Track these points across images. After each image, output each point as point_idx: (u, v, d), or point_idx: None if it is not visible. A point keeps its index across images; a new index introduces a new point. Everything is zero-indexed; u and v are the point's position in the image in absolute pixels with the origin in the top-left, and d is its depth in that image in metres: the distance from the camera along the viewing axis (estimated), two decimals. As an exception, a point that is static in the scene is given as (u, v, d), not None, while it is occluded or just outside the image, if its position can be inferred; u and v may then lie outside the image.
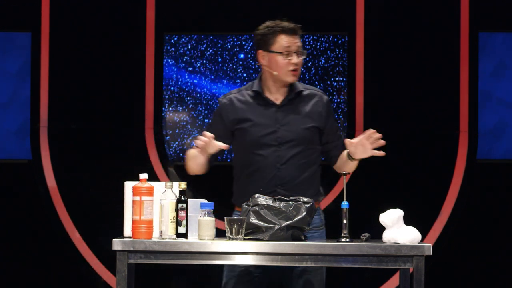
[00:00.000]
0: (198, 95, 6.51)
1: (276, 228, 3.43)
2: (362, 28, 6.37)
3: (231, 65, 6.50)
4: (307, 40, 6.51)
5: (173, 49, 6.53)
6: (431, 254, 3.29)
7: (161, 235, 3.37)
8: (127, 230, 3.44)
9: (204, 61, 6.51)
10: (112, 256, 3.37)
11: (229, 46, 6.52)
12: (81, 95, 6.39)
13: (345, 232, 3.42)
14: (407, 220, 3.40)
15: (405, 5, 6.38)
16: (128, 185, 3.45)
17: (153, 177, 6.17)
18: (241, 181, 3.78)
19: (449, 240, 6.23)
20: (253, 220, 3.45)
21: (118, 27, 6.42)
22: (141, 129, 6.37)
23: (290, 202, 3.49)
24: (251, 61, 6.51)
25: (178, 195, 3.36)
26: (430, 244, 3.30)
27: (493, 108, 6.39)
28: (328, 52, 6.50)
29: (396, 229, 3.35)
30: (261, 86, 3.79)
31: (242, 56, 6.50)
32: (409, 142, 6.31)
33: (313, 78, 6.49)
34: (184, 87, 6.53)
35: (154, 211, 3.38)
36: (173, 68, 6.52)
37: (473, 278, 6.32)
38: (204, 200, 3.46)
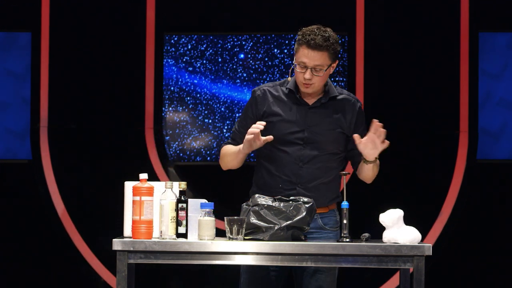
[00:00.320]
0: (198, 95, 6.51)
1: (276, 228, 3.43)
2: (362, 28, 6.37)
3: (231, 65, 6.50)
4: (307, 40, 6.50)
5: (173, 49, 6.53)
6: (431, 254, 3.29)
7: (161, 235, 3.37)
8: (127, 230, 3.44)
9: (204, 61, 6.52)
10: (112, 256, 3.37)
11: (229, 46, 6.52)
12: (81, 95, 6.39)
13: (345, 232, 3.42)
14: (407, 220, 3.40)
15: (405, 5, 6.38)
16: (128, 185, 3.45)
17: (153, 177, 6.17)
18: (261, 174, 3.78)
19: (449, 240, 6.23)
20: (253, 220, 3.45)
21: (118, 27, 6.42)
22: (141, 129, 6.37)
23: (290, 202, 3.49)
24: (251, 61, 6.51)
25: (178, 195, 3.36)
26: (430, 244, 3.30)
27: (493, 108, 6.39)
28: (328, 52, 6.49)
29: (396, 229, 3.35)
30: (296, 85, 3.78)
31: (242, 56, 6.51)
32: (409, 142, 6.31)
33: (313, 78, 6.49)
34: (184, 87, 6.53)
35: (154, 211, 3.38)
36: (173, 68, 6.52)
37: (473, 278, 6.32)
38: (204, 200, 3.46)
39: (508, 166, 6.35)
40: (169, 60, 6.52)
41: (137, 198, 3.33)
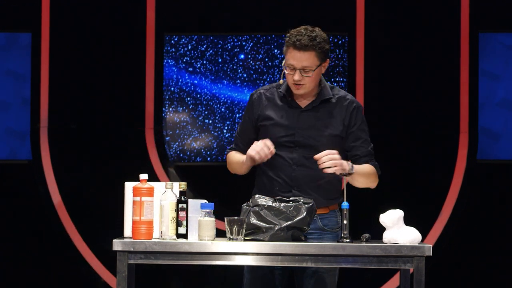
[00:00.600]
0: (198, 96, 6.51)
1: (276, 228, 3.43)
2: (362, 28, 6.37)
3: (231, 65, 6.50)
4: (307, 40, 6.50)
5: (173, 49, 6.53)
6: (431, 254, 3.29)
7: (161, 236, 3.37)
8: (127, 230, 3.44)
9: (205, 62, 6.52)
10: (112, 257, 3.37)
11: (230, 47, 6.52)
12: (81, 95, 6.40)
13: (345, 232, 3.42)
14: (407, 221, 3.40)
15: (405, 5, 6.39)
16: (128, 186, 3.45)
17: (153, 177, 6.17)
18: (261, 177, 3.79)
19: (449, 241, 6.23)
20: (253, 220, 3.44)
21: (118, 27, 6.43)
22: (141, 129, 6.37)
23: (290, 202, 3.49)
24: (251, 62, 6.51)
25: (178, 195, 3.36)
26: (431, 245, 3.30)
27: (493, 109, 6.39)
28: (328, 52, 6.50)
29: (396, 229, 3.35)
30: (289, 88, 3.76)
31: (242, 56, 6.51)
32: (409, 142, 6.31)
33: (313, 78, 6.49)
34: (184, 88, 6.53)
35: (154, 211, 3.38)
36: (174, 68, 6.52)
37: (473, 278, 6.32)
38: (204, 201, 3.46)
39: (508, 166, 6.35)
40: (169, 61, 6.52)
41: (137, 198, 3.33)
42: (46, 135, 6.34)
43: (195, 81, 6.51)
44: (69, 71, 6.40)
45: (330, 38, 6.62)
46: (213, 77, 6.51)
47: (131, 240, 3.32)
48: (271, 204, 3.48)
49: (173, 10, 6.50)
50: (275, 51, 6.51)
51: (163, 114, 6.46)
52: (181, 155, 6.50)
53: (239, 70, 6.51)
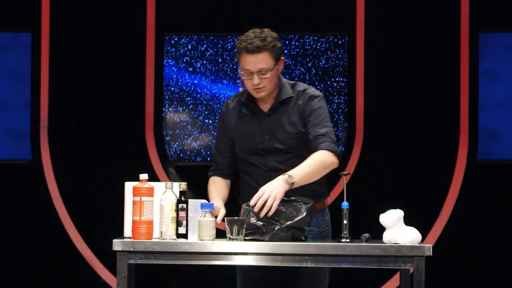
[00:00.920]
0: (198, 96, 6.51)
1: (276, 228, 3.43)
2: (362, 28, 6.37)
3: (231, 65, 6.50)
4: (307, 40, 6.51)
5: (173, 49, 6.53)
6: (431, 254, 3.29)
7: (161, 236, 3.37)
8: (127, 230, 3.44)
9: (205, 62, 6.52)
10: (112, 256, 3.37)
11: (230, 47, 6.52)
12: (81, 95, 6.40)
13: (345, 232, 3.42)
14: (407, 221, 3.40)
15: (405, 5, 6.39)
16: (128, 186, 3.45)
17: (153, 177, 6.17)
18: (242, 185, 3.79)
19: (449, 241, 6.23)
20: (253, 220, 3.44)
21: (118, 27, 6.43)
22: (141, 129, 6.37)
23: (290, 202, 3.49)
24: (251, 61, 6.50)
25: (178, 195, 3.36)
26: (431, 245, 3.30)
27: (493, 109, 6.39)
28: (328, 52, 6.50)
29: (396, 229, 3.35)
30: (250, 95, 3.72)
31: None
32: (409, 142, 6.31)
33: (313, 78, 6.49)
34: (184, 88, 6.53)
35: (154, 211, 3.38)
36: (174, 68, 6.52)
37: (473, 278, 6.32)
38: (204, 201, 3.47)
39: (508, 166, 6.35)
40: (169, 61, 6.52)
41: (137, 198, 3.33)
42: (46, 135, 6.34)
43: (195, 81, 6.51)
44: (69, 71, 6.40)
45: (330, 38, 6.65)
46: (213, 77, 6.51)
47: (131, 240, 3.32)
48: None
49: (173, 10, 6.50)
50: (275, 51, 6.50)
51: (163, 114, 6.46)
52: (181, 155, 6.50)
53: (239, 70, 6.51)
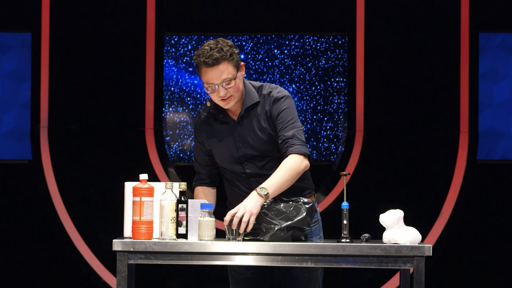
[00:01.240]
0: (198, 96, 6.51)
1: (276, 228, 3.43)
2: (362, 28, 6.37)
3: (231, 65, 6.49)
4: (307, 40, 6.51)
5: (173, 49, 6.53)
6: (431, 254, 3.29)
7: (161, 236, 3.37)
8: (127, 230, 3.44)
9: (204, 62, 6.51)
10: (112, 256, 3.37)
11: (229, 47, 6.51)
12: (81, 95, 6.39)
13: (345, 232, 3.42)
14: (407, 221, 3.40)
15: (405, 5, 6.38)
16: (128, 186, 3.45)
17: (153, 177, 6.17)
18: (227, 191, 3.79)
19: (449, 241, 6.23)
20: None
21: (118, 28, 6.42)
22: (141, 129, 6.37)
23: (290, 202, 3.49)
24: (251, 62, 6.51)
25: (178, 195, 3.36)
26: (430, 245, 3.30)
27: (493, 109, 6.39)
28: (328, 52, 6.50)
29: (396, 229, 3.35)
30: (217, 106, 3.70)
31: (242, 56, 6.51)
32: (409, 142, 6.31)
33: (313, 78, 6.49)
34: (184, 88, 6.53)
35: (154, 211, 3.38)
36: (174, 68, 6.52)
37: (473, 278, 6.32)
38: (204, 201, 3.46)
39: (508, 166, 6.35)
40: (170, 61, 6.52)
41: (137, 198, 3.33)
42: (46, 135, 6.34)
43: (195, 81, 6.51)
44: (69, 71, 6.40)
45: (330, 39, 6.65)
46: (213, 77, 6.50)
47: (131, 240, 3.32)
48: (271, 204, 3.48)
49: (173, 10, 6.50)
50: (275, 51, 6.51)
51: (163, 114, 6.46)
52: (181, 155, 6.50)
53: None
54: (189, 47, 6.52)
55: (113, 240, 3.32)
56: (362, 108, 6.33)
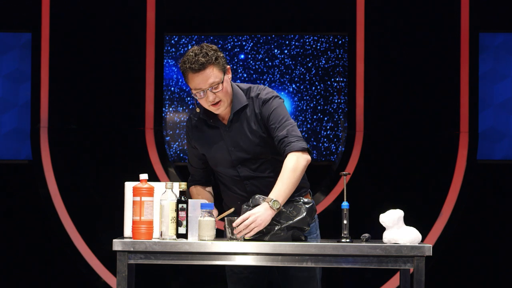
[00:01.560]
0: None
1: (276, 228, 3.43)
2: (362, 28, 6.37)
3: (231, 65, 6.50)
4: (307, 40, 6.51)
5: (173, 49, 6.53)
6: (431, 254, 3.29)
7: (161, 236, 3.37)
8: (127, 230, 3.44)
9: (204, 62, 6.51)
10: (112, 256, 3.37)
11: (230, 47, 6.52)
12: (82, 95, 6.39)
13: (345, 232, 3.42)
14: (407, 221, 3.40)
15: (405, 5, 6.38)
16: (129, 186, 3.45)
17: (153, 177, 6.17)
18: (223, 194, 3.79)
19: (449, 241, 6.23)
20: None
21: (118, 27, 6.42)
22: (141, 129, 6.37)
23: (290, 202, 3.49)
24: (251, 62, 6.51)
25: (178, 195, 3.36)
26: (431, 245, 3.30)
27: (493, 109, 6.39)
28: (328, 52, 6.50)
29: (396, 229, 3.35)
30: (207, 111, 3.69)
31: (242, 56, 6.51)
32: (409, 142, 6.31)
33: (314, 78, 6.49)
34: (184, 88, 6.53)
35: (154, 211, 3.38)
36: (174, 68, 6.52)
37: (473, 278, 6.32)
38: (204, 201, 3.47)
39: (509, 166, 6.35)
40: (170, 61, 6.52)
41: (138, 198, 3.34)
42: (46, 135, 6.34)
43: (195, 81, 6.50)
44: (69, 71, 6.40)
45: (330, 39, 6.65)
46: (213, 77, 6.50)
47: (131, 240, 3.32)
48: (271, 204, 3.48)
49: (173, 10, 6.50)
50: (275, 51, 6.51)
51: (163, 114, 6.46)
52: (181, 155, 6.50)
53: (239, 70, 6.51)
54: (189, 47, 6.52)
55: (113, 240, 3.32)
56: (362, 108, 6.33)
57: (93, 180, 6.36)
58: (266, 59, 6.52)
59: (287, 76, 6.52)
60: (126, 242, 3.31)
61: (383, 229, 3.39)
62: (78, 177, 6.36)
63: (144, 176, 3.35)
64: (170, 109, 6.51)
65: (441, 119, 6.32)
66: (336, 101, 6.48)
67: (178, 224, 3.34)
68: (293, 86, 6.50)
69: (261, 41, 6.52)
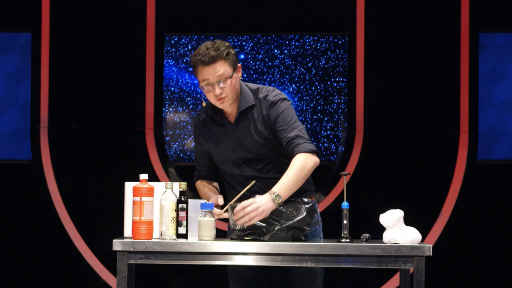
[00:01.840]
0: (198, 96, 6.51)
1: (276, 228, 3.43)
2: (362, 28, 6.37)
3: (231, 65, 6.49)
4: (307, 40, 6.51)
5: (173, 49, 6.53)
6: (431, 254, 3.29)
7: (161, 236, 3.37)
8: (128, 230, 3.44)
9: (204, 62, 6.51)
10: (112, 256, 3.37)
11: (229, 47, 6.51)
12: (82, 95, 6.40)
13: (345, 232, 3.42)
14: (407, 221, 3.40)
15: (405, 5, 6.39)
16: (129, 186, 3.46)
17: (153, 177, 6.17)
18: (227, 192, 3.79)
19: (449, 241, 6.23)
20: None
21: (118, 28, 6.43)
22: (141, 129, 6.37)
23: (290, 202, 3.49)
24: (251, 62, 6.51)
25: (178, 195, 3.36)
26: (431, 245, 3.30)
27: (493, 109, 6.39)
28: (328, 52, 6.50)
29: (396, 229, 3.35)
30: (215, 108, 3.71)
31: (242, 56, 6.51)
32: (409, 142, 6.31)
33: (314, 78, 6.49)
34: (184, 88, 6.53)
35: (154, 211, 3.38)
36: (174, 68, 6.52)
37: (473, 278, 6.32)
38: (204, 201, 3.47)
39: (508, 166, 6.35)
40: (170, 61, 6.52)
41: (138, 198, 3.33)
42: (46, 135, 6.34)
43: (195, 81, 6.51)
44: (69, 71, 6.40)
45: (330, 39, 6.65)
46: (213, 77, 6.50)
47: (131, 240, 3.32)
48: (271, 204, 3.48)
49: (173, 10, 6.50)
50: (275, 51, 6.51)
51: (163, 114, 6.46)
52: (181, 155, 6.50)
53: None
54: (189, 47, 6.52)
55: (113, 240, 3.32)
56: (362, 108, 6.33)
57: (93, 180, 6.36)
58: (266, 59, 6.52)
59: (287, 76, 6.52)
60: (126, 242, 3.31)
61: (383, 229, 3.39)
62: (78, 177, 6.36)
63: (144, 176, 3.35)
64: (170, 109, 6.51)
65: (441, 119, 6.32)
66: (336, 101, 6.48)
67: (178, 224, 3.34)
68: (293, 86, 6.50)
69: (261, 41, 6.52)
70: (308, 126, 6.48)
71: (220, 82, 3.57)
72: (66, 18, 6.42)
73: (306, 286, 3.69)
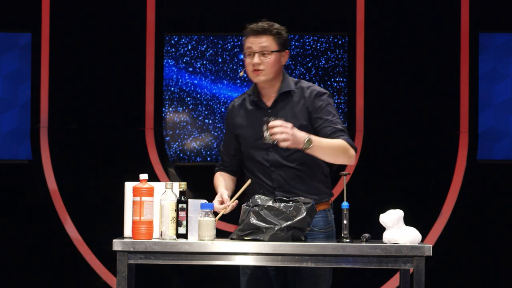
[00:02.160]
0: (198, 96, 6.51)
1: (276, 228, 3.43)
2: (362, 28, 6.37)
3: (231, 65, 6.50)
4: (307, 40, 6.51)
5: (173, 49, 6.53)
6: (431, 254, 3.29)
7: (161, 236, 3.37)
8: (127, 230, 3.44)
9: (205, 62, 6.52)
10: (112, 256, 3.37)
11: (230, 47, 6.52)
12: (82, 95, 6.40)
13: (345, 232, 3.42)
14: (407, 221, 3.40)
15: (405, 5, 6.38)
16: (129, 186, 3.46)
17: (153, 177, 6.17)
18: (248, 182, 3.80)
19: (449, 241, 6.23)
20: (253, 220, 3.45)
21: (118, 28, 6.43)
22: (141, 129, 6.37)
23: (290, 202, 3.49)
24: (251, 62, 6.50)
25: (178, 195, 3.36)
26: (430, 245, 3.30)
27: (493, 109, 6.39)
28: (328, 52, 6.50)
29: (396, 229, 3.35)
30: (257, 89, 3.79)
31: (242, 56, 6.50)
32: (409, 142, 6.31)
33: (314, 78, 6.49)
34: (184, 88, 6.53)
35: (154, 211, 3.38)
36: (174, 68, 6.52)
37: (473, 278, 6.32)
38: (204, 201, 3.47)
39: (509, 166, 6.35)
40: (169, 61, 6.52)
41: (137, 198, 3.34)
42: (46, 135, 6.34)
43: (195, 81, 6.51)
44: (69, 71, 6.40)
45: (330, 39, 6.65)
46: (213, 77, 6.51)
47: (131, 240, 3.32)
48: (271, 204, 3.48)
49: (173, 10, 6.50)
50: (275, 51, 6.50)
51: (163, 114, 6.46)
52: (181, 155, 6.50)
53: (239, 70, 6.51)
54: (189, 47, 6.52)
55: (113, 240, 3.32)
56: (362, 108, 6.33)
57: (93, 180, 6.36)
58: (266, 59, 6.51)
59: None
60: (126, 242, 3.31)
61: (383, 229, 3.39)
62: (78, 177, 6.36)
63: (144, 176, 3.35)
64: (170, 109, 6.51)
65: (441, 119, 6.32)
66: (336, 101, 6.48)
67: (178, 224, 3.34)
68: (293, 86, 6.50)
69: (261, 41, 6.51)
70: (308, 126, 6.48)
71: (262, 54, 3.67)
72: (66, 18, 6.42)
73: (314, 279, 3.69)
